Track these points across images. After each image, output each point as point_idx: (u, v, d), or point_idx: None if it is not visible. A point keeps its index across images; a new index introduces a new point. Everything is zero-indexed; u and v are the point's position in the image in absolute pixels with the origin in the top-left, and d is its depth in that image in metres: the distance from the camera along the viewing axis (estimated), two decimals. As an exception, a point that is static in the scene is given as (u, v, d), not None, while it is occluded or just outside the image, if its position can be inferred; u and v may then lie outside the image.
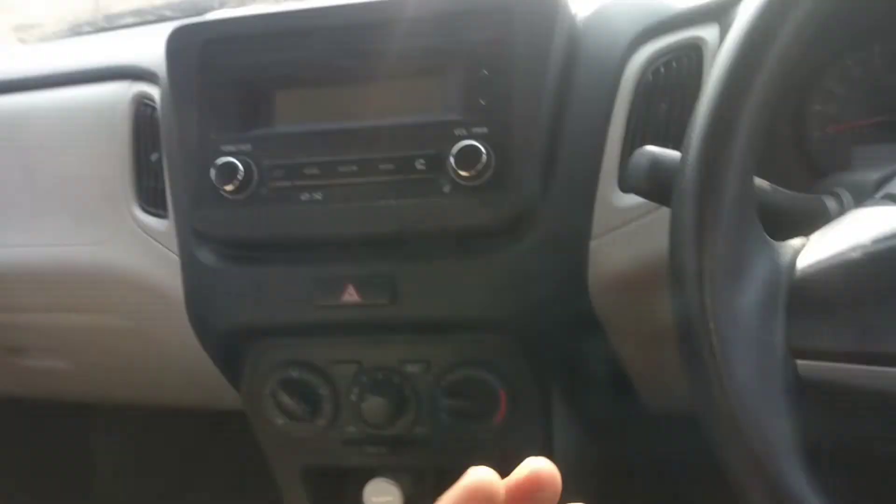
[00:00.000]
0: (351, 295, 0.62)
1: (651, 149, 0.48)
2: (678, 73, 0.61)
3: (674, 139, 0.65)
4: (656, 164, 0.47)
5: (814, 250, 0.43)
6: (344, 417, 0.69)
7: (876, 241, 0.41)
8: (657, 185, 0.47)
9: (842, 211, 0.52)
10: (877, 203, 0.45)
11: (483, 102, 0.59)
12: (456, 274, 0.61)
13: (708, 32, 0.61)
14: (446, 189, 0.59)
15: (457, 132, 0.59)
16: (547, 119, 0.59)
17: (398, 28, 0.60)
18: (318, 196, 0.61)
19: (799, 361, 0.40)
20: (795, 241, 0.44)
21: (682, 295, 0.41)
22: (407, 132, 0.60)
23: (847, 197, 0.53)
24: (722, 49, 0.42)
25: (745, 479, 0.39)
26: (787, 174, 0.59)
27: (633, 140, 0.61)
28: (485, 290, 0.61)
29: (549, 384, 0.66)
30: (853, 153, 0.64)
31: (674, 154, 0.47)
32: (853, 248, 0.41)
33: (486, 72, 0.59)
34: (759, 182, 0.53)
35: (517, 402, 0.65)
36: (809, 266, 0.42)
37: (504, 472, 0.73)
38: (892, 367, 0.38)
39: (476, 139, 0.58)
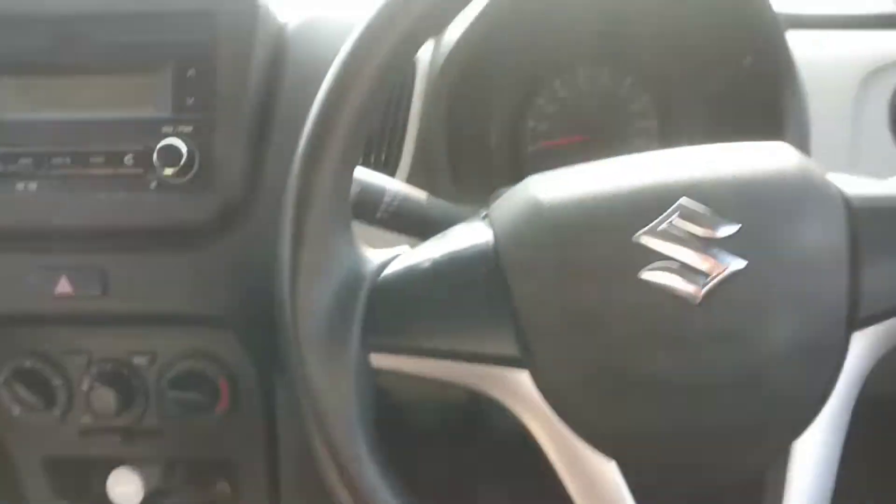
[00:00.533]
0: (64, 286, 0.63)
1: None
2: (392, 87, 0.64)
3: (388, 147, 0.68)
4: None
5: (403, 259, 0.47)
6: (77, 407, 0.69)
7: (442, 255, 0.45)
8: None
9: None
10: (474, 220, 0.49)
11: (190, 102, 0.60)
12: (166, 268, 0.62)
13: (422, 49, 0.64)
14: (153, 186, 0.60)
15: (164, 130, 0.60)
16: (251, 121, 0.61)
17: (111, 23, 0.61)
18: (32, 186, 0.62)
19: (373, 354, 0.45)
20: (394, 249, 0.48)
21: (278, 282, 0.45)
22: (117, 127, 0.61)
23: None
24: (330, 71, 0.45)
25: (319, 445, 0.44)
26: (502, 185, 0.63)
27: None
28: (194, 285, 0.63)
29: (271, 375, 0.68)
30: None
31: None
32: (425, 260, 0.46)
33: (192, 72, 0.60)
34: (417, 194, 0.56)
35: (238, 393, 0.67)
36: (390, 272, 0.46)
37: (231, 463, 0.73)
38: (446, 359, 0.44)
39: (180, 137, 0.59)
